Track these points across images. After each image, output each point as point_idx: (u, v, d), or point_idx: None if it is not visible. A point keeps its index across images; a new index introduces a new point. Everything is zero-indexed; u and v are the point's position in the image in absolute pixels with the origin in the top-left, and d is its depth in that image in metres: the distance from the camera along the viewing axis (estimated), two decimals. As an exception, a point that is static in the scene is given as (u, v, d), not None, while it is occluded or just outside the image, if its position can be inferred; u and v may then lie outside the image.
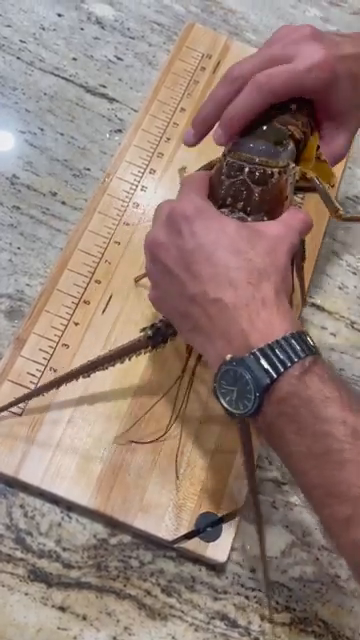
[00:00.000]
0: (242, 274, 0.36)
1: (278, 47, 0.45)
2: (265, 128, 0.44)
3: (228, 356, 0.35)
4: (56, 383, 0.46)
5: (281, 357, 0.34)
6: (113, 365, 0.46)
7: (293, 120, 0.45)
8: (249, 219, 0.42)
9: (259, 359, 0.34)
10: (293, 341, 0.35)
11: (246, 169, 0.43)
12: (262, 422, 0.36)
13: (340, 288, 0.61)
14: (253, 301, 0.35)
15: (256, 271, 0.37)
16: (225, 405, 0.36)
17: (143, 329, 0.45)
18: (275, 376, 0.34)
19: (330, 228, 0.64)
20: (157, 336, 0.44)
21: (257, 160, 0.43)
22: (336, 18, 0.79)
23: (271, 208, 0.43)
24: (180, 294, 0.38)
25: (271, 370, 0.34)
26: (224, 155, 0.45)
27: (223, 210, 0.43)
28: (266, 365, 0.34)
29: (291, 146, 0.45)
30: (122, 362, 0.46)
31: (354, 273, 0.62)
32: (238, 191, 0.43)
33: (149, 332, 0.44)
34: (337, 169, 0.67)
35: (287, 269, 0.39)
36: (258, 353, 0.34)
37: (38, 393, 0.46)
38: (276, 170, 0.43)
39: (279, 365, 0.34)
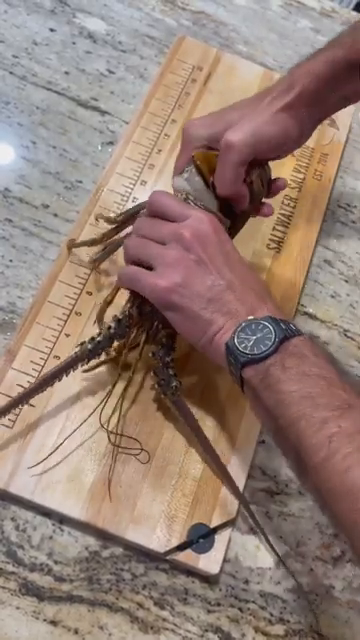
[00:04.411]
0: (259, 277, 0.48)
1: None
2: None
3: (250, 317, 0.43)
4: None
5: (292, 327, 0.43)
6: (59, 381, 0.47)
7: None
8: None
9: (278, 321, 0.43)
10: (298, 325, 0.45)
11: None
12: (263, 366, 0.42)
13: (333, 296, 0.61)
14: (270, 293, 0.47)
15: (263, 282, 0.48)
16: (240, 349, 0.42)
17: (82, 343, 0.47)
18: (290, 334, 0.42)
19: (322, 237, 0.64)
20: (97, 349, 0.47)
21: None
22: (327, 29, 0.79)
23: None
24: (212, 282, 0.45)
25: (286, 330, 0.42)
26: None
27: None
28: (283, 326, 0.43)
29: None
30: (64, 378, 0.47)
31: (346, 281, 0.62)
32: None
33: (89, 346, 0.47)
34: (329, 177, 0.68)
35: None
36: (273, 319, 0.43)
37: None
38: None
39: (290, 329, 0.43)
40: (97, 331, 0.48)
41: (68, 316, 0.53)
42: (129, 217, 0.53)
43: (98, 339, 0.47)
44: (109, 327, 0.47)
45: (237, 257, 0.47)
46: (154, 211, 0.48)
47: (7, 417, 0.48)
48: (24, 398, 0.47)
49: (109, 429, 0.48)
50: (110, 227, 0.53)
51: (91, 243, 0.54)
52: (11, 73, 0.67)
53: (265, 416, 0.43)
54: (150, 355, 0.49)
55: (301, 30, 0.79)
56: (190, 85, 0.68)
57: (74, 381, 0.49)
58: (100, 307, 0.53)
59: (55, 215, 0.59)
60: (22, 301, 0.54)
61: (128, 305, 0.48)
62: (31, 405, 0.48)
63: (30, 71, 0.67)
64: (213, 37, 0.75)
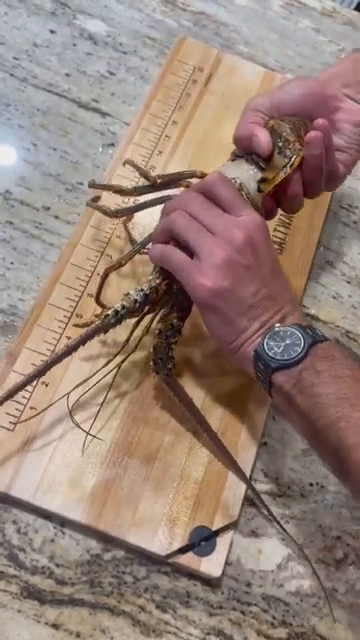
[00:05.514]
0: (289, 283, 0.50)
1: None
2: None
3: (277, 325, 0.45)
4: (28, 381, 0.45)
5: (318, 332, 0.45)
6: (75, 350, 0.46)
7: None
8: None
9: (305, 327, 0.45)
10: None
11: None
12: (294, 371, 0.43)
13: (334, 298, 0.61)
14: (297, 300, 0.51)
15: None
16: (270, 355, 0.44)
17: (106, 315, 0.47)
18: (318, 339, 0.44)
19: (324, 238, 0.64)
20: (118, 322, 0.47)
21: None
22: (328, 29, 0.79)
23: None
24: (256, 289, 0.45)
25: (313, 335, 0.44)
26: None
27: None
28: (310, 332, 0.44)
29: None
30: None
31: (348, 282, 0.62)
32: None
33: (112, 320, 0.46)
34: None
35: None
36: (300, 325, 0.45)
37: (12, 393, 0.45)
38: None
39: (317, 335, 0.44)
40: (120, 303, 0.47)
41: (69, 318, 0.53)
42: (170, 182, 0.52)
43: (122, 312, 0.46)
44: (135, 300, 0.47)
45: (279, 265, 0.48)
46: (208, 192, 0.47)
47: (8, 420, 0.48)
48: (42, 371, 0.45)
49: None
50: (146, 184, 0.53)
51: (117, 191, 0.53)
52: (12, 75, 0.66)
53: (300, 420, 0.43)
54: (156, 333, 0.49)
55: (302, 30, 0.78)
56: (191, 86, 0.68)
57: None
58: (112, 265, 0.51)
59: (56, 217, 0.59)
60: (23, 303, 0.54)
61: (157, 281, 0.48)
62: (32, 408, 0.48)
63: (31, 73, 0.67)
64: (214, 38, 0.75)
